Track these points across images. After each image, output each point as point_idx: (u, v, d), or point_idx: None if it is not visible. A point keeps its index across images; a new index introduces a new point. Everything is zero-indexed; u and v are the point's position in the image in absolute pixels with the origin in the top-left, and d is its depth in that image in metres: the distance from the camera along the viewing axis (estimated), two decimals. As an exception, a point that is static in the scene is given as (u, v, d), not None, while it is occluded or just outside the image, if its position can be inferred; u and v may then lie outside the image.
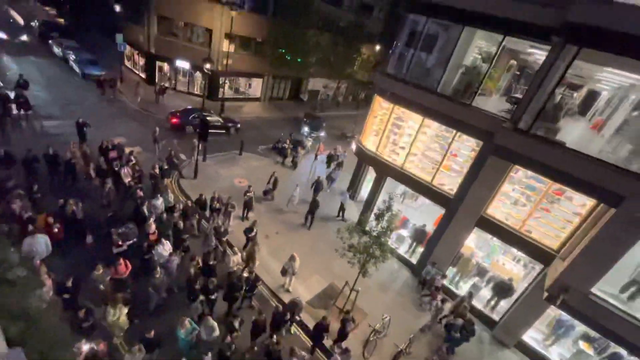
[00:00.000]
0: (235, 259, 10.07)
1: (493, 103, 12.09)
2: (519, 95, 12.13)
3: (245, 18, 24.77)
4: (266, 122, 25.81)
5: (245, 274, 9.15)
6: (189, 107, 20.88)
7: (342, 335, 8.82)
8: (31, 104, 15.34)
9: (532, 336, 10.80)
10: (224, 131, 20.50)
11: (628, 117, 10.70)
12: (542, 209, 9.86)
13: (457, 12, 10.34)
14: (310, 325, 9.41)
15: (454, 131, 11.28)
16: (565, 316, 10.00)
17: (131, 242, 9.68)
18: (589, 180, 8.16)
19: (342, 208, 15.30)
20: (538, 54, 11.13)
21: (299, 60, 27.76)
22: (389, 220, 9.35)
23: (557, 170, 8.62)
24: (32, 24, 30.55)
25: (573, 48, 7.97)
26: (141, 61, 26.39)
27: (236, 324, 7.86)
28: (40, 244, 8.14)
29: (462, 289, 12.02)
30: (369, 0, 35.20)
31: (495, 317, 11.39)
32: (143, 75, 25.94)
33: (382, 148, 13.43)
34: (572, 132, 10.84)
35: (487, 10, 9.67)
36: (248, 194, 13.04)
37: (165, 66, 25.47)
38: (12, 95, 14.92)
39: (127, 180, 11.99)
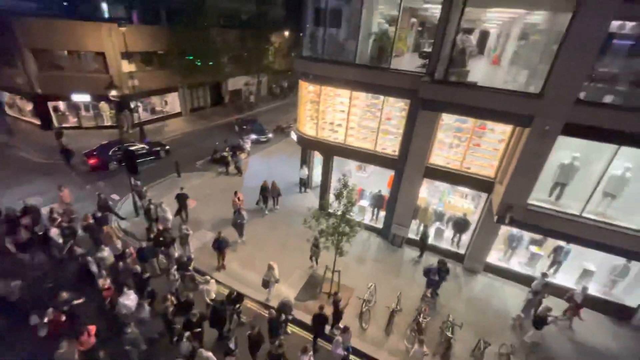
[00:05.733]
0: (210, 287, 9.55)
1: (408, 61, 12.86)
2: (427, 50, 13.04)
3: (138, 32, 22.64)
4: (196, 135, 24.38)
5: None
6: (104, 142, 18.74)
7: (338, 316, 9.05)
8: None
9: (494, 257, 12.22)
10: (153, 157, 18.94)
11: (516, 48, 12.24)
12: (474, 145, 10.98)
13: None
14: (305, 319, 9.49)
15: (382, 97, 11.84)
16: (514, 231, 11.46)
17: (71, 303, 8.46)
18: (502, 110, 9.21)
19: (302, 183, 16.38)
20: (433, 9, 12.03)
21: (210, 63, 26.37)
22: (348, 196, 9.62)
23: (476, 108, 9.58)
24: None
25: (461, -4, 8.76)
26: (27, 106, 22.80)
27: (232, 345, 7.58)
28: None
29: (430, 236, 12.94)
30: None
31: (461, 250, 12.62)
32: (36, 121, 22.48)
33: (321, 131, 13.60)
34: (479, 71, 12.05)
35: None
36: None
37: (61, 104, 22.35)
38: None
39: (60, 241, 10.54)
